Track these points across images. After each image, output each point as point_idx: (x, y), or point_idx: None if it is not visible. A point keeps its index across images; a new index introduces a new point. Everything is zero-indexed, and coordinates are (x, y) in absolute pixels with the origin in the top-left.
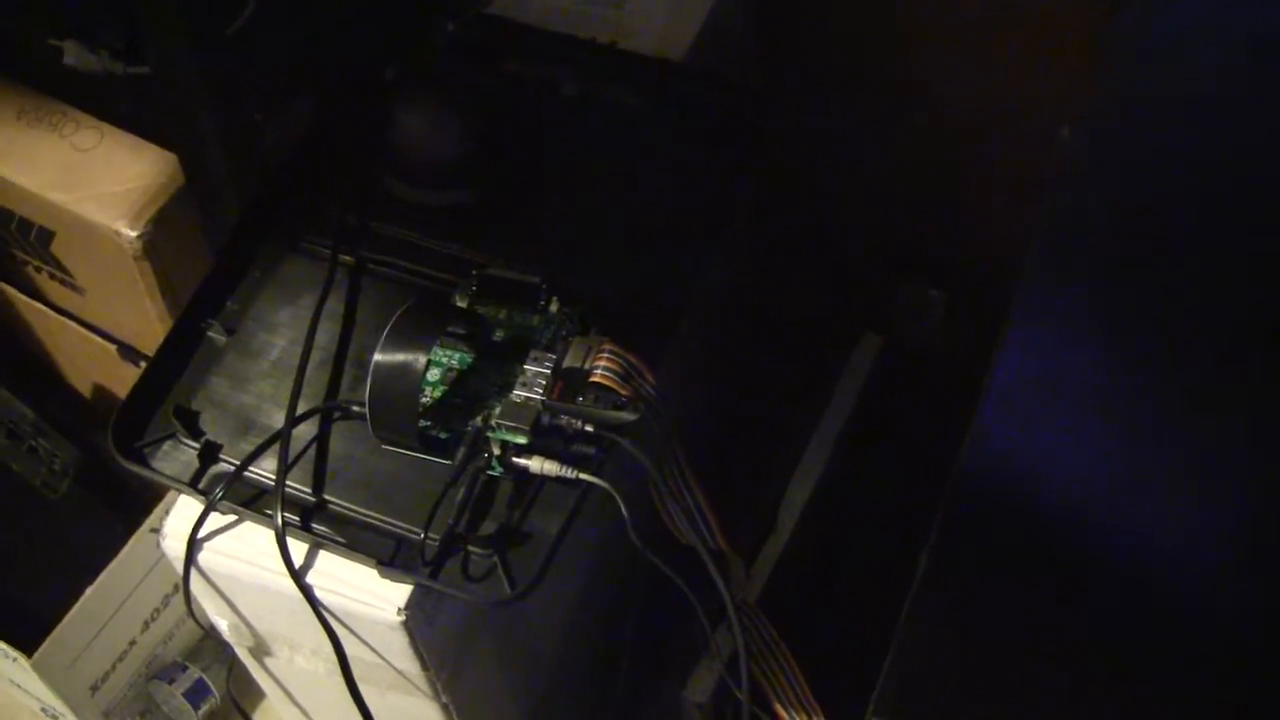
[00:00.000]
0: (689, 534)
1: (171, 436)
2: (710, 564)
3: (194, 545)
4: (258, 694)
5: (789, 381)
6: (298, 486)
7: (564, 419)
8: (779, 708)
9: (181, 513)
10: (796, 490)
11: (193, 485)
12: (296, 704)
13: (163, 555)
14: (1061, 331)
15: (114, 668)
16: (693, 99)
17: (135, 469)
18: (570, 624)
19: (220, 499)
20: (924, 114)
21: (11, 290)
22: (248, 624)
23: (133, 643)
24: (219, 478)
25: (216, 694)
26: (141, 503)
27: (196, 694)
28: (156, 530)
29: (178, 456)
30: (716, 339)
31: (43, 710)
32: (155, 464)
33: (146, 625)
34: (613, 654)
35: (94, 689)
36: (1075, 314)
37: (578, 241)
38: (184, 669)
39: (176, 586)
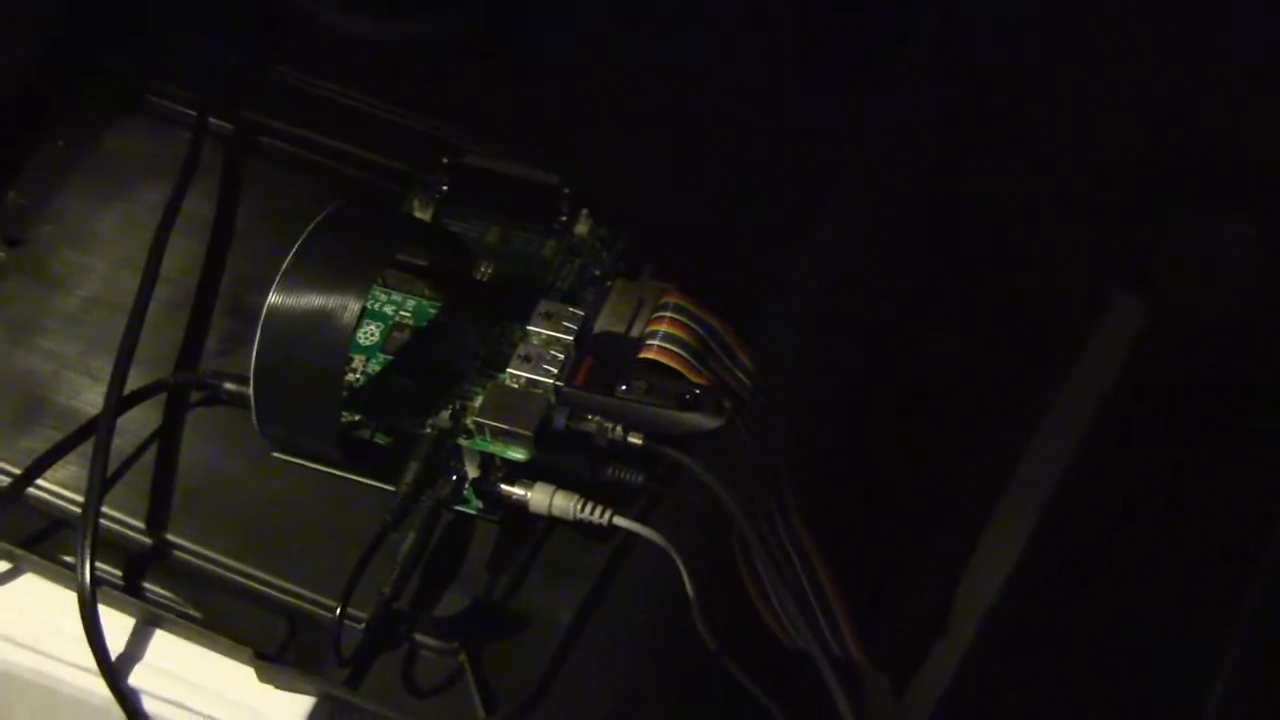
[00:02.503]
0: (798, 629)
1: None
2: (833, 683)
3: None
4: None
5: (985, 381)
6: (122, 517)
7: (592, 420)
8: None
9: None
10: (986, 566)
11: None
12: None
13: None
14: None
15: None
16: None
17: None
18: None
19: None
20: None
21: None
22: None
23: None
24: None
25: None
26: None
27: None
28: None
29: None
30: (861, 306)
31: None
32: None
33: None
34: None
35: None
36: None
37: (626, 116)
38: None
39: None
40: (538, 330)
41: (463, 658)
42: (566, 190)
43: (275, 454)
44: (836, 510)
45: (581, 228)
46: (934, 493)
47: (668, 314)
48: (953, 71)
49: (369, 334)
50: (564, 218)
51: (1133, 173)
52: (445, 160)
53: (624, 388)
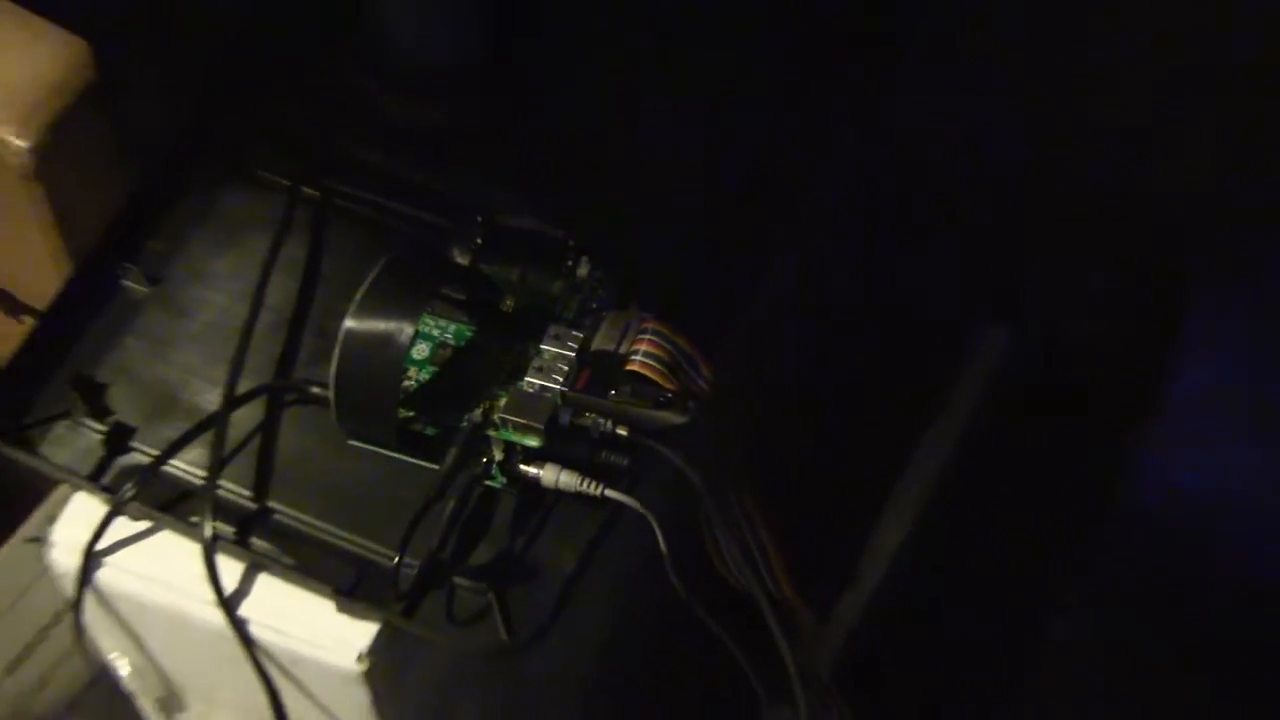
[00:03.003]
0: (745, 577)
1: (67, 415)
2: (771, 617)
3: (92, 559)
4: None
5: (888, 389)
6: (234, 489)
7: (589, 418)
8: None
9: (77, 516)
10: (890, 531)
11: (94, 480)
12: None
13: (43, 573)
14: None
15: None
16: None
17: (16, 456)
18: (587, 695)
19: (130, 499)
20: None
21: None
22: (157, 667)
23: None
24: (129, 472)
25: None
26: (16, 504)
27: None
28: (38, 540)
29: (75, 442)
30: (796, 329)
31: None
32: (44, 450)
33: (12, 668)
34: None
35: None
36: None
37: (619, 185)
38: None
39: (57, 616)
40: (548, 348)
41: (490, 596)
42: (571, 243)
43: (350, 441)
44: (776, 488)
45: (582, 271)
46: (850, 476)
47: (647, 336)
48: (873, 163)
49: (420, 351)
50: (569, 263)
51: (1004, 227)
52: (479, 219)
53: (614, 392)
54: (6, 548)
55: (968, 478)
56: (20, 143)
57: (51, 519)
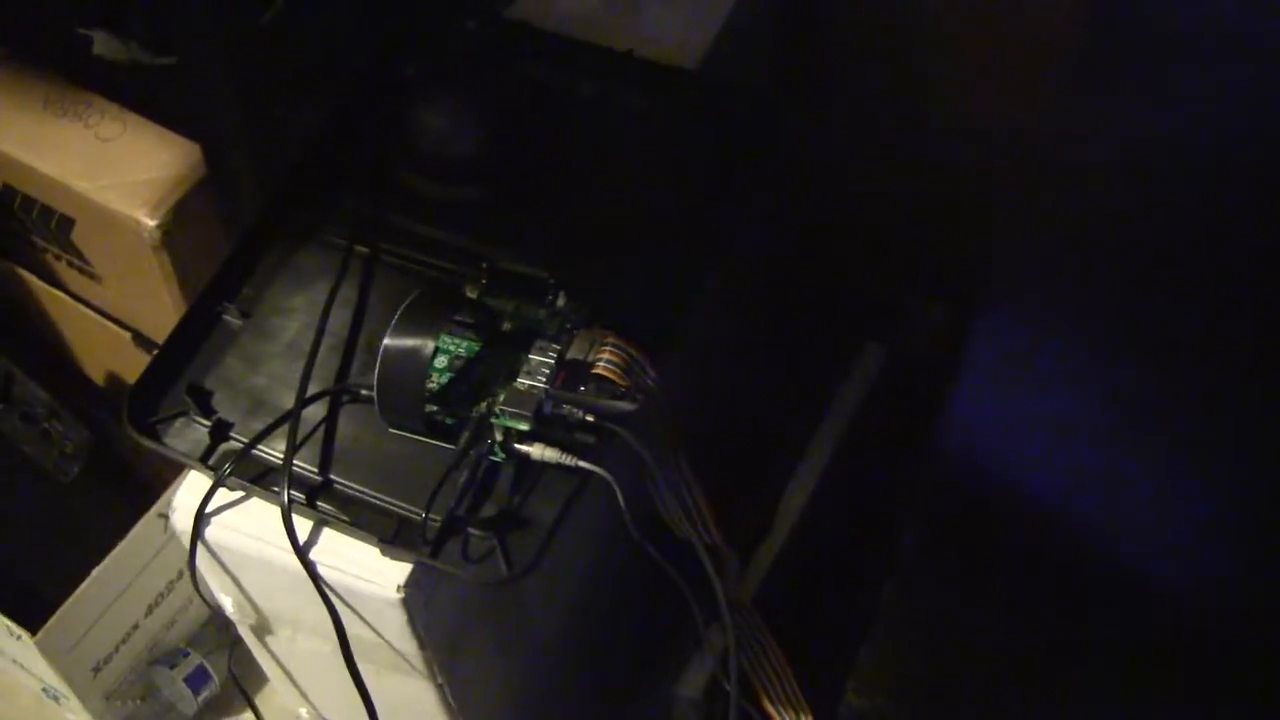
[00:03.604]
0: (685, 527)
1: (184, 414)
2: (705, 557)
3: (201, 519)
4: (259, 678)
5: (792, 388)
6: (305, 466)
7: (566, 408)
8: (768, 705)
9: (191, 488)
10: (794, 495)
11: (203, 461)
12: (297, 686)
13: (169, 539)
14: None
15: (117, 650)
16: (706, 105)
17: (147, 443)
18: (568, 616)
19: (229, 475)
20: (925, 124)
21: (30, 277)
22: (251, 601)
23: (136, 626)
24: (228, 455)
25: (216, 680)
26: (149, 490)
27: (197, 680)
28: (164, 515)
29: (189, 434)
30: (721, 342)
31: (44, 691)
32: (167, 440)
33: (150, 609)
34: (609, 649)
35: (96, 670)
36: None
37: (587, 239)
38: (185, 654)
39: (181, 572)
40: (534, 357)
41: (494, 541)
42: (552, 281)
43: (390, 430)
44: (707, 461)
45: (560, 302)
46: (765, 455)
47: (608, 347)
48: (779, 217)
49: (441, 361)
50: (551, 297)
51: (879, 264)
52: (484, 266)
53: (583, 388)
54: (143, 521)
55: (854, 456)
56: (150, 222)
57: (172, 499)
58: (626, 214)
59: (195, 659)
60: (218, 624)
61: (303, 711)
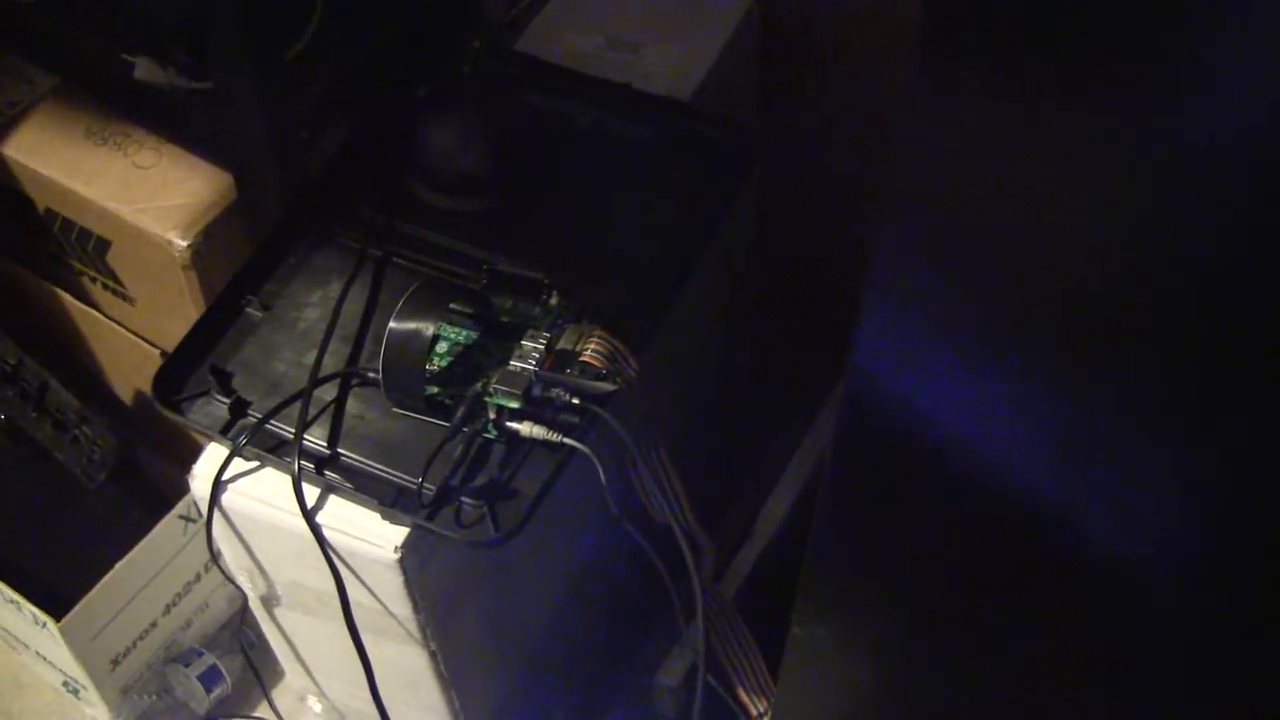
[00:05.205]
0: (663, 513)
1: (206, 393)
2: (681, 540)
3: (219, 485)
4: (275, 675)
5: (778, 399)
6: (314, 440)
7: (554, 391)
8: (741, 692)
9: (210, 458)
10: (777, 502)
11: (222, 434)
12: (302, 662)
13: (187, 542)
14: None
15: (135, 645)
16: (695, 133)
17: (172, 416)
18: (555, 597)
19: (244, 445)
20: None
21: (66, 296)
22: (260, 567)
23: (154, 624)
24: (245, 428)
25: (229, 680)
26: (168, 502)
27: (210, 678)
28: (185, 518)
29: (211, 410)
30: (708, 355)
31: (64, 685)
32: (190, 415)
33: (168, 608)
34: (592, 633)
35: (115, 663)
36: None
37: (581, 248)
38: (200, 654)
39: (199, 575)
40: (526, 343)
41: (485, 508)
42: (546, 282)
43: (394, 409)
44: (691, 463)
45: (553, 301)
46: (750, 458)
47: (594, 339)
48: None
49: (442, 347)
50: (544, 296)
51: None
52: (485, 267)
53: (569, 370)
54: (163, 522)
55: None
56: (182, 242)
57: (191, 504)
58: (617, 226)
59: (209, 659)
60: (232, 628)
61: (310, 698)
